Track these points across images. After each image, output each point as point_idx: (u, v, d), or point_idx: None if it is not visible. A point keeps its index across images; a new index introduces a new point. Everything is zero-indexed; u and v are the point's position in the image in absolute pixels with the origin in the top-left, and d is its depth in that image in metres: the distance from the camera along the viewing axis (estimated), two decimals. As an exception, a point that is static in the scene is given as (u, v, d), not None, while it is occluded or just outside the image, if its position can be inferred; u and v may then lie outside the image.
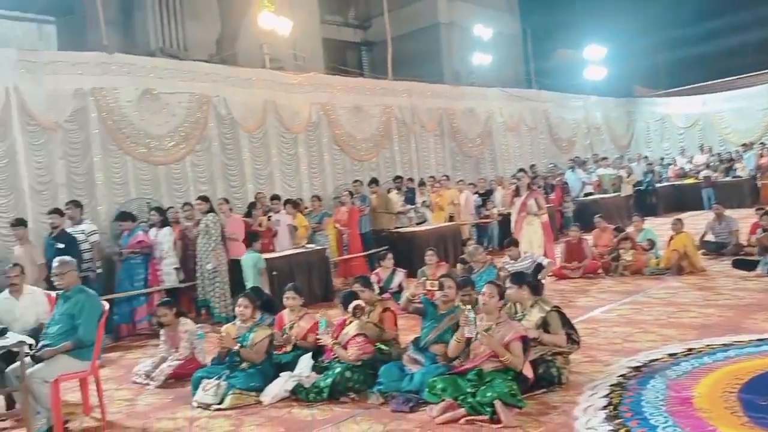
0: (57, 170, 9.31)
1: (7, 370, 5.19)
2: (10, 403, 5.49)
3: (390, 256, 8.79)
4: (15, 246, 8.17)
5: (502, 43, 20.75)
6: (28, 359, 4.89)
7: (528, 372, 4.79)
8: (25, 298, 6.23)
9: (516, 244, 8.90)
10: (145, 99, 10.24)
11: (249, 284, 8.13)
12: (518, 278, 5.61)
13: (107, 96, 9.81)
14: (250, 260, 8.48)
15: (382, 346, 5.73)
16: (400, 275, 8.63)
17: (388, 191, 12.64)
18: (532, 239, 9.46)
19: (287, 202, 10.80)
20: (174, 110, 10.59)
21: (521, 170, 10.99)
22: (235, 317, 6.15)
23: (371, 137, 13.97)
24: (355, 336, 5.46)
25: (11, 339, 4.70)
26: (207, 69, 11.44)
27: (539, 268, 8.53)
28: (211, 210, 8.92)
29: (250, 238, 8.81)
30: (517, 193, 9.84)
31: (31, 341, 5.01)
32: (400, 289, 8.31)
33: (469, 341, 5.04)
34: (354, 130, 13.62)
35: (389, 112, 14.38)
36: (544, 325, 5.30)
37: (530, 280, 5.76)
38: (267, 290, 8.02)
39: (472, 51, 19.87)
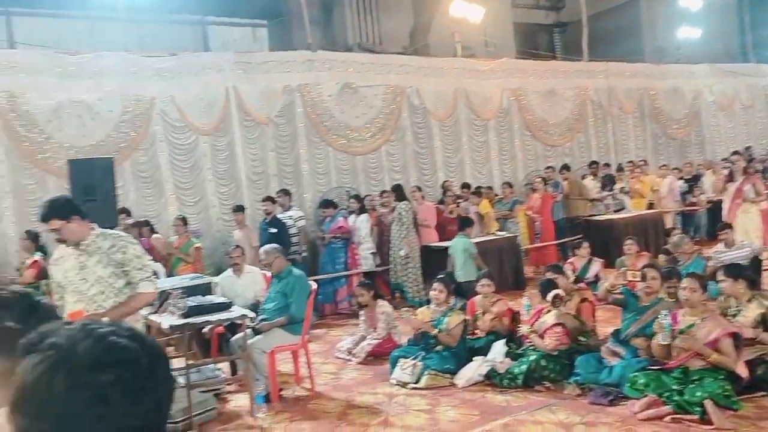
0: (269, 161, 10.20)
1: (231, 339, 5.85)
2: (234, 370, 6.16)
3: (585, 244, 8.47)
4: (235, 230, 9.13)
5: (713, 14, 18.91)
6: (249, 331, 5.47)
7: (742, 371, 4.41)
8: (245, 277, 6.96)
9: (730, 227, 8.13)
10: (344, 93, 10.83)
11: (457, 269, 8.28)
12: (733, 270, 5.16)
13: (311, 91, 10.53)
14: (459, 245, 8.57)
15: (580, 337, 5.58)
16: (596, 265, 8.29)
17: (583, 177, 12.17)
18: (749, 228, 8.57)
19: (476, 189, 10.89)
20: (371, 102, 11.08)
21: (735, 153, 10.01)
22: (427, 301, 6.34)
23: (565, 121, 13.52)
24: (554, 326, 5.38)
25: (236, 312, 5.27)
26: (401, 61, 11.81)
27: (756, 260, 7.73)
28: (403, 198, 9.24)
29: (462, 223, 8.92)
30: (730, 178, 8.97)
31: (252, 315, 5.59)
32: (597, 279, 7.97)
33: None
34: (546, 114, 13.27)
35: (584, 95, 13.81)
36: (763, 323, 4.83)
37: (747, 273, 5.27)
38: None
39: (678, 25, 18.34)
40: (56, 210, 3.70)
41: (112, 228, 4.58)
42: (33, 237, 7.69)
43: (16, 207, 8.54)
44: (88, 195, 5.55)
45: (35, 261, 7.36)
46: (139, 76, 9.29)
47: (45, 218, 3.70)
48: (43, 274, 6.83)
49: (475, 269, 8.12)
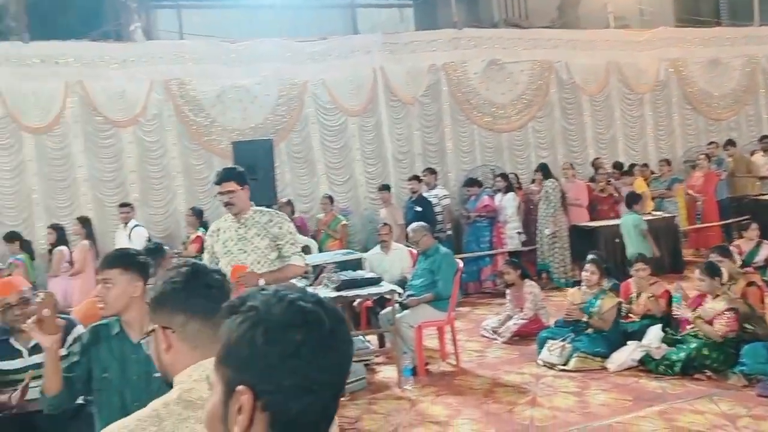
0: (414, 141, 10.33)
1: (380, 313, 6.05)
2: (382, 342, 6.37)
3: (754, 226, 7.78)
4: (381, 208, 9.37)
5: None
6: (397, 306, 5.63)
7: None
8: (392, 253, 7.15)
9: None
10: (490, 70, 10.68)
11: (628, 247, 7.97)
12: None
13: (457, 69, 10.50)
14: (629, 221, 8.24)
15: (745, 325, 5.18)
16: (766, 248, 7.62)
17: (752, 153, 11.17)
18: None
19: (630, 167, 10.39)
20: (517, 78, 10.86)
21: None
22: (574, 282, 6.18)
23: (731, 93, 12.43)
24: (724, 311, 5.00)
25: (385, 287, 5.44)
26: (549, 35, 11.43)
27: None
28: (549, 176, 9.05)
29: (630, 199, 8.58)
30: None
31: (400, 290, 5.75)
32: (766, 264, 7.35)
33: None
34: (709, 86, 12.27)
35: (754, 63, 12.58)
36: None
37: None
38: (655, 252, 7.75)
39: None
40: (234, 175, 4.05)
41: (269, 205, 4.91)
42: (197, 213, 8.34)
43: (186, 185, 9.31)
44: (250, 174, 5.85)
45: (198, 236, 7.98)
46: (293, 61, 9.73)
47: (224, 179, 4.01)
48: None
49: (647, 247, 7.74)
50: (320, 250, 8.11)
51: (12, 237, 7.77)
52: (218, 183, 4.04)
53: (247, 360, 1.01)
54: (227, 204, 4.03)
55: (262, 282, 3.85)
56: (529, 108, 10.93)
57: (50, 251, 7.94)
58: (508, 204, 9.16)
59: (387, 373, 5.74)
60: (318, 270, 5.66)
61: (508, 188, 9.28)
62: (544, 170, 9.35)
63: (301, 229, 8.63)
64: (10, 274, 6.42)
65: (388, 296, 5.57)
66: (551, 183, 8.92)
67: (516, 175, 10.01)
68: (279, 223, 4.10)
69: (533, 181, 9.54)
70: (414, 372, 5.52)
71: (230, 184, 3.98)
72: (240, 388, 1.00)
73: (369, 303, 6.44)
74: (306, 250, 7.62)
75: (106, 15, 10.80)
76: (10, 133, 8.61)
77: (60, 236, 7.95)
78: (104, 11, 10.84)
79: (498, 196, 9.31)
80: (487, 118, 10.68)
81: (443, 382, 5.48)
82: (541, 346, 5.72)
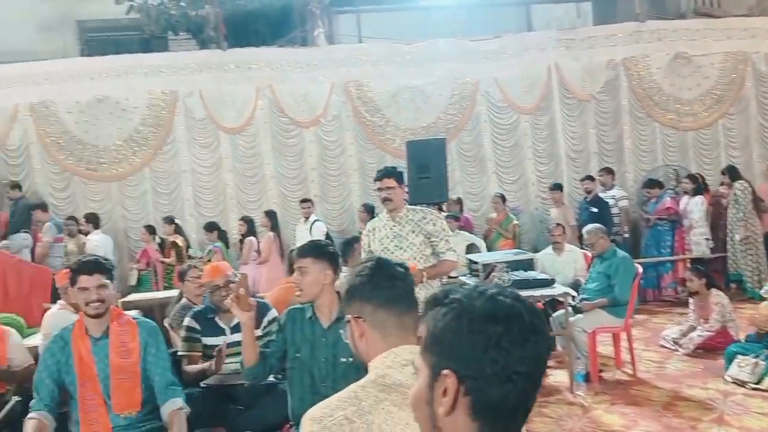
0: (589, 139, 9.96)
1: (552, 316, 5.93)
2: (552, 346, 6.24)
3: None
4: (551, 208, 9.15)
5: None
6: (570, 309, 5.49)
7: None
8: (565, 255, 6.97)
9: None
10: (675, 64, 10.01)
11: None
12: None
13: (638, 64, 9.97)
14: None
15: None
16: None
17: None
18: None
19: None
20: (706, 72, 10.08)
21: None
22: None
23: None
24: None
25: (558, 289, 5.33)
26: (746, 24, 10.47)
27: None
28: (737, 178, 8.35)
29: None
30: None
31: (573, 293, 5.60)
32: None
33: None
34: None
35: None
36: None
37: None
38: None
39: None
40: (395, 173, 4.31)
41: (440, 203, 5.02)
42: (369, 210, 8.65)
43: (360, 183, 9.72)
44: (422, 173, 6.00)
45: (369, 232, 8.29)
46: (466, 60, 9.79)
47: (385, 175, 4.26)
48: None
49: None
50: (490, 249, 8.09)
51: (211, 227, 8.60)
52: (379, 179, 4.28)
53: (452, 347, 1.08)
54: (385, 199, 4.25)
55: (425, 277, 4.01)
56: (720, 104, 10.11)
57: (241, 241, 8.69)
58: (696, 208, 8.52)
59: (558, 377, 5.61)
60: (489, 269, 5.65)
61: (696, 191, 8.64)
62: (731, 172, 8.68)
63: (466, 227, 8.70)
64: (209, 260, 7.13)
65: (560, 299, 5.45)
66: (740, 185, 8.25)
67: (702, 176, 9.30)
68: (432, 220, 4.26)
69: (722, 184, 8.81)
70: (587, 378, 5.37)
71: (390, 181, 4.21)
72: (445, 372, 1.08)
73: (540, 305, 6.31)
74: (472, 248, 7.67)
75: (293, 22, 11.56)
76: (210, 132, 9.53)
77: (250, 227, 8.67)
78: (292, 19, 11.62)
79: (684, 199, 8.71)
80: (671, 115, 10.04)
81: (618, 390, 5.26)
82: (729, 362, 5.29)
